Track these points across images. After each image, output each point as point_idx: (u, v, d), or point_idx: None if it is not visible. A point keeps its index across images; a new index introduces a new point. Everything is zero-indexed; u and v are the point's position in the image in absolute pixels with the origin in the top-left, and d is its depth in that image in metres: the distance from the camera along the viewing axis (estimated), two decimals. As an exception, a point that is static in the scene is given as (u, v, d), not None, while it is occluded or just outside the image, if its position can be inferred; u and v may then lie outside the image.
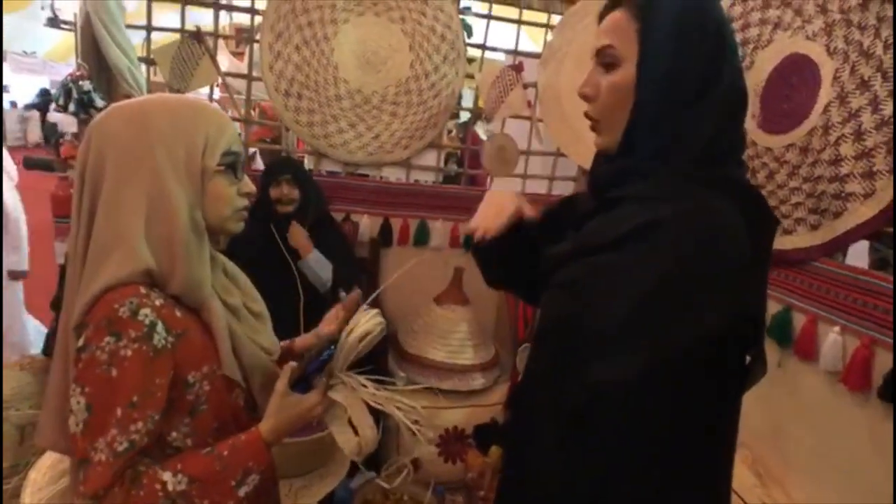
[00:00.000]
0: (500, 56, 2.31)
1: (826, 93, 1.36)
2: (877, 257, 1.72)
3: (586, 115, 0.74)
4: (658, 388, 0.64)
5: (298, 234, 1.70)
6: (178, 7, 2.00)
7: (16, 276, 2.59)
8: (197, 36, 1.93)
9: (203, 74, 1.96)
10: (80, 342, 0.67)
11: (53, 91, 2.08)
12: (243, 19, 2.53)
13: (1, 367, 1.63)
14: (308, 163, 2.19)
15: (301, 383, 0.79)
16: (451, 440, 1.96)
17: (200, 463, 0.69)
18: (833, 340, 1.32)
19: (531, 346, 0.85)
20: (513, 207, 0.86)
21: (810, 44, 1.41)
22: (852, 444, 1.28)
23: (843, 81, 1.32)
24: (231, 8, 2.25)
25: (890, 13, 1.20)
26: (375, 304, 2.35)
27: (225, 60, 2.39)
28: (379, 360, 1.94)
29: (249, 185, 0.80)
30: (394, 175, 2.25)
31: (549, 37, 2.16)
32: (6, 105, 10.54)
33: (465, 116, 2.53)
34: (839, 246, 1.37)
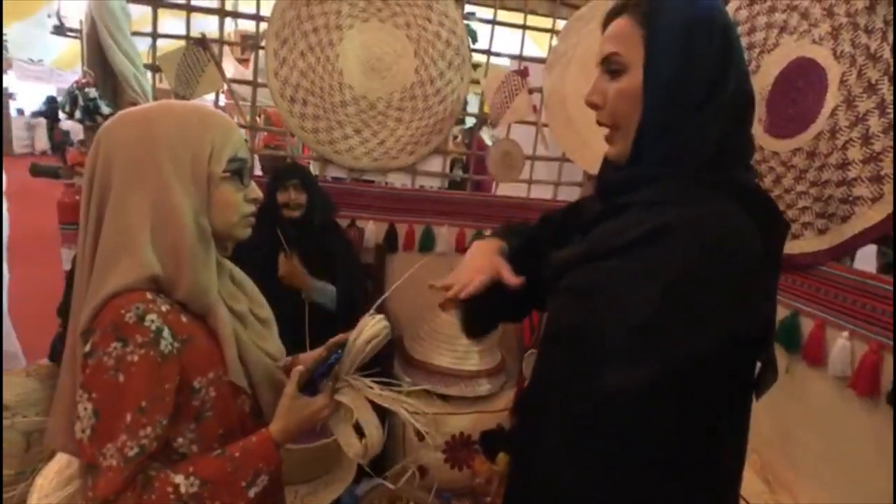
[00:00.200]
0: (506, 61, 2.31)
1: (833, 97, 1.35)
2: (884, 261, 1.71)
3: (599, 122, 0.74)
4: (668, 394, 0.63)
5: (291, 273, 1.65)
6: (183, 14, 2.02)
7: None
8: (202, 43, 1.94)
9: (208, 81, 1.97)
10: (87, 348, 0.67)
11: (60, 98, 2.10)
12: (248, 26, 2.55)
13: (0, 373, 1.63)
14: (313, 169, 2.20)
15: (308, 387, 0.79)
16: (458, 446, 1.95)
17: (212, 465, 0.70)
18: (841, 346, 1.31)
19: (538, 352, 0.85)
20: (489, 272, 0.79)
21: (817, 47, 1.41)
22: (861, 450, 1.27)
23: (850, 85, 1.31)
24: (236, 15, 2.27)
25: (897, 17, 1.20)
26: (381, 309, 2.35)
27: (230, 67, 2.41)
28: (385, 365, 1.93)
29: (256, 191, 0.80)
30: (399, 181, 2.25)
31: (554, 42, 2.16)
32: (13, 113, 10.64)
33: (470, 122, 2.53)
34: (847, 250, 1.36)
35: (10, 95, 10.45)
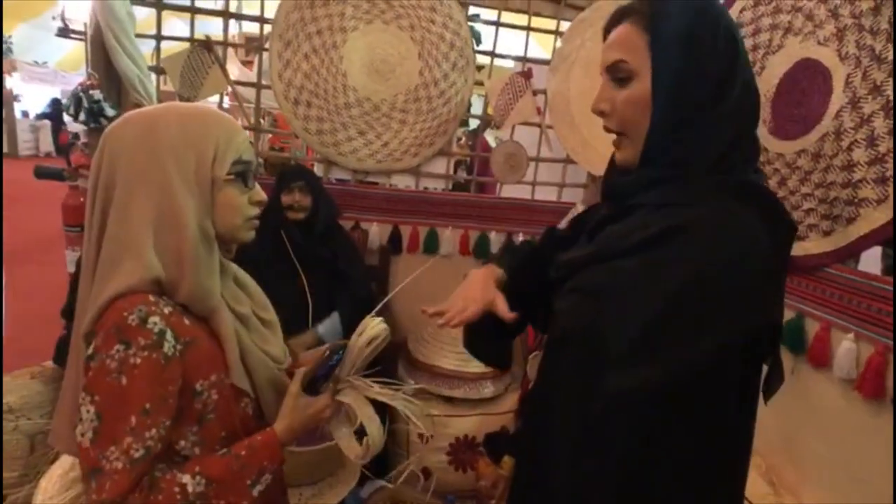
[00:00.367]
0: (510, 63, 2.31)
1: (838, 98, 1.35)
2: (889, 263, 1.70)
3: (607, 129, 0.74)
4: (674, 395, 0.63)
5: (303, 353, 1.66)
6: (187, 16, 2.02)
7: None
8: (206, 45, 1.95)
9: (212, 83, 1.97)
10: (90, 350, 0.67)
11: (64, 101, 2.10)
12: (252, 28, 2.56)
13: (1, 374, 1.63)
14: (317, 171, 2.20)
15: (310, 388, 0.80)
16: (462, 448, 1.95)
17: (218, 464, 0.70)
18: (847, 348, 1.30)
19: (544, 353, 0.85)
20: (483, 302, 0.79)
21: (822, 49, 1.40)
22: (866, 453, 1.26)
23: (855, 86, 1.31)
24: (240, 17, 2.27)
25: (903, 18, 1.20)
26: (386, 312, 2.35)
27: (234, 69, 2.42)
28: (389, 368, 1.94)
29: (260, 194, 0.80)
30: (403, 182, 2.25)
31: (559, 43, 2.16)
32: (18, 115, 10.68)
33: (474, 124, 2.54)
34: (852, 252, 1.36)
35: (15, 97, 10.50)
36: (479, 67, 2.23)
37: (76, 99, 1.86)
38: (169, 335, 0.68)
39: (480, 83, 2.22)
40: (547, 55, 2.27)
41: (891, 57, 1.23)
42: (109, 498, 0.64)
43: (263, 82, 2.12)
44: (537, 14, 2.20)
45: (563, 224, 2.09)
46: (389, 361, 2.03)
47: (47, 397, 1.69)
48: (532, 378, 1.61)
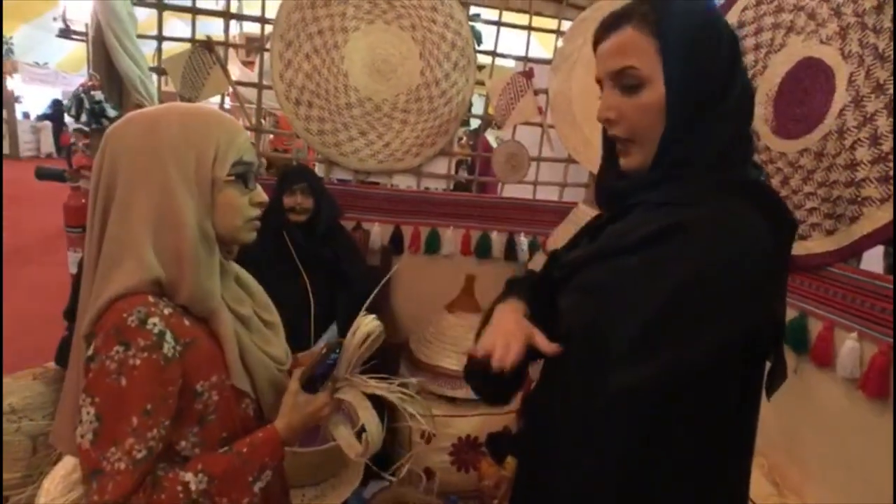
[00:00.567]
0: (511, 63, 2.31)
1: (841, 97, 1.35)
2: (890, 262, 1.70)
3: (615, 137, 0.72)
4: (677, 394, 0.63)
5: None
6: (187, 17, 2.03)
7: None
8: (207, 45, 1.95)
9: (214, 84, 1.97)
10: (90, 352, 0.67)
11: (66, 102, 2.11)
12: (253, 29, 2.56)
13: (1, 374, 1.64)
14: (318, 171, 2.20)
15: (309, 386, 0.80)
16: (464, 449, 1.95)
17: (220, 461, 0.71)
18: (850, 347, 1.30)
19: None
20: (523, 338, 0.71)
21: (824, 48, 1.40)
22: (870, 452, 1.26)
23: (858, 85, 1.31)
24: (241, 17, 2.27)
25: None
26: (388, 312, 2.34)
27: (235, 70, 2.42)
28: (391, 368, 1.93)
29: (261, 195, 0.80)
30: (404, 182, 2.25)
31: (560, 43, 2.16)
32: (19, 116, 10.69)
33: (475, 123, 2.54)
34: (855, 251, 1.35)
35: (16, 98, 10.52)
36: (481, 67, 2.23)
37: (77, 100, 1.86)
38: (169, 336, 0.68)
39: (482, 83, 2.21)
40: (548, 55, 2.27)
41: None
42: (112, 499, 0.64)
43: (264, 83, 2.12)
44: (538, 14, 2.20)
45: (563, 225, 2.09)
46: (392, 362, 2.03)
47: (49, 398, 1.69)
48: (534, 378, 1.60)
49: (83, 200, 1.95)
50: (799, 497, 1.43)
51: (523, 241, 2.28)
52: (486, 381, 0.80)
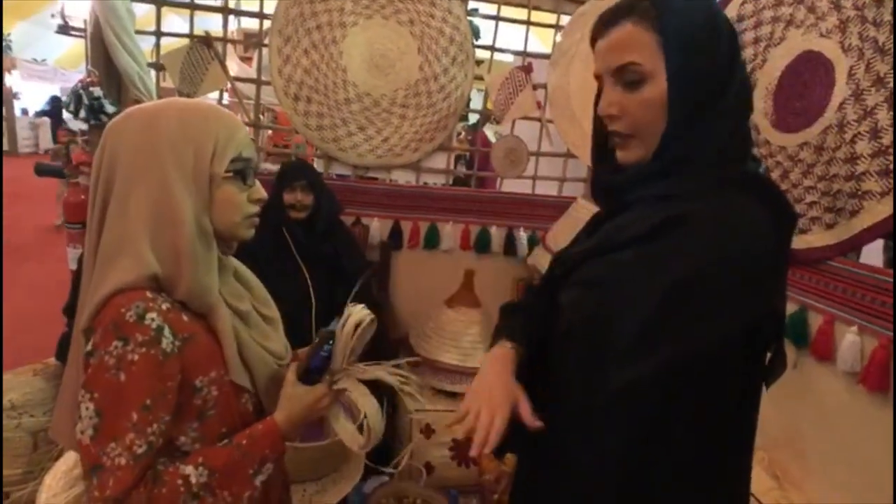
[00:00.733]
0: (509, 57, 2.30)
1: (841, 90, 1.34)
2: (890, 255, 1.70)
3: (616, 132, 0.72)
4: (678, 389, 0.63)
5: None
6: (185, 13, 2.02)
7: None
8: (206, 41, 1.94)
9: (212, 79, 1.97)
10: (89, 347, 0.67)
11: (64, 98, 2.10)
12: (251, 24, 2.55)
13: (1, 372, 1.64)
14: (317, 166, 2.20)
15: (305, 378, 0.80)
16: (465, 444, 1.95)
17: (221, 454, 0.71)
18: (850, 341, 1.30)
19: (555, 346, 0.84)
20: (508, 405, 0.69)
21: (824, 41, 1.39)
22: (870, 446, 1.26)
23: (858, 79, 1.30)
24: (240, 13, 2.27)
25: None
26: (387, 308, 2.33)
27: (233, 65, 2.41)
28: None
29: (260, 192, 0.79)
30: (403, 178, 2.25)
31: (558, 38, 2.15)
32: (17, 112, 10.67)
33: (473, 118, 2.53)
34: (855, 245, 1.35)
35: (14, 95, 10.49)
36: (479, 62, 2.22)
37: (76, 96, 1.86)
38: (167, 331, 0.68)
39: (480, 78, 2.21)
40: (547, 49, 2.26)
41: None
42: (113, 494, 0.64)
43: (263, 78, 2.11)
44: (537, 8, 2.19)
45: (562, 219, 2.09)
46: (391, 357, 2.03)
47: (50, 394, 1.69)
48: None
49: (82, 196, 1.94)
50: (800, 491, 1.44)
51: (522, 235, 2.28)
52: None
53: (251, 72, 2.33)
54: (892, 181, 1.23)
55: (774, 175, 1.54)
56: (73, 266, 1.89)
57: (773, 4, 1.56)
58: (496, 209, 2.27)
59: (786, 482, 1.47)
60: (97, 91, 1.86)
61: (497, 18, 2.19)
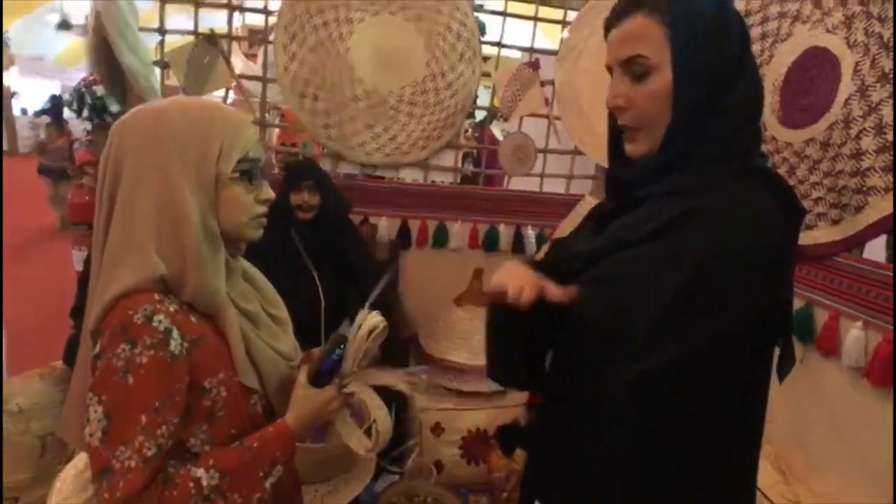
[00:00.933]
0: (516, 54, 2.30)
1: (846, 86, 1.34)
2: (892, 251, 1.71)
3: (623, 125, 0.73)
4: (687, 383, 0.64)
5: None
6: (188, 9, 2.00)
7: None
8: (211, 38, 1.93)
9: (218, 77, 1.96)
10: (96, 350, 0.67)
11: (66, 96, 2.10)
12: (255, 20, 2.53)
13: (1, 374, 1.63)
14: (324, 165, 2.19)
15: (316, 381, 0.80)
16: (474, 442, 1.96)
17: (231, 457, 0.71)
18: (855, 336, 1.31)
19: (558, 345, 0.85)
20: (536, 283, 0.70)
21: (830, 36, 1.40)
22: (876, 440, 1.27)
23: (863, 74, 1.30)
24: (244, 9, 2.25)
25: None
26: (397, 307, 2.32)
27: (238, 63, 2.39)
28: (400, 362, 1.94)
29: (268, 192, 0.79)
30: (411, 176, 2.24)
31: (565, 33, 2.15)
32: (17, 111, 10.59)
33: (480, 115, 2.53)
34: (861, 241, 1.36)
35: (13, 94, 10.41)
36: (486, 58, 2.21)
37: (79, 95, 1.86)
38: (175, 333, 0.68)
39: (487, 74, 2.20)
40: (554, 46, 2.26)
41: (902, 45, 1.23)
42: (123, 496, 0.64)
43: (269, 76, 2.10)
44: (544, 3, 2.19)
45: (570, 217, 2.09)
46: (401, 356, 2.04)
47: (57, 398, 1.66)
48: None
49: (87, 197, 1.94)
50: (805, 485, 1.45)
51: (531, 234, 2.27)
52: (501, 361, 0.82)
53: (256, 69, 2.32)
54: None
55: (781, 171, 1.54)
56: (79, 267, 1.88)
57: (780, 0, 1.56)
58: (504, 207, 2.26)
59: (791, 475, 1.48)
60: (100, 90, 1.85)
61: (504, 14, 2.18)
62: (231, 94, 2.20)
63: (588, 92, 2.03)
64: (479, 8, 2.25)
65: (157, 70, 1.99)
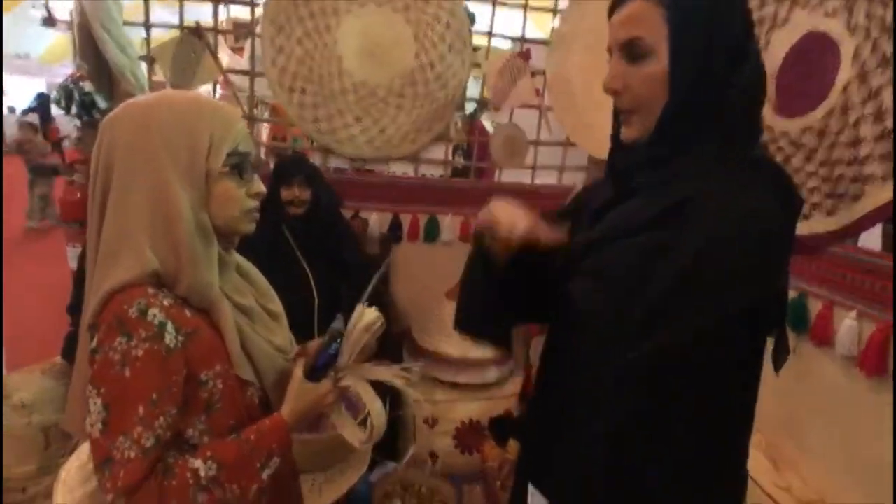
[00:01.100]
0: (507, 44, 2.27)
1: (846, 71, 1.33)
2: (889, 240, 1.71)
3: (618, 108, 0.73)
4: (684, 366, 0.64)
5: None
6: (174, 3, 1.97)
7: None
8: (197, 32, 1.90)
9: (205, 71, 1.94)
10: (94, 343, 0.69)
11: (53, 93, 2.06)
12: (240, 13, 2.49)
13: (1, 371, 1.64)
14: (314, 160, 2.17)
15: (312, 375, 0.81)
16: (468, 432, 1.97)
17: (229, 448, 0.72)
18: (849, 326, 1.31)
19: (553, 336, 0.85)
20: (530, 219, 0.70)
21: (829, 20, 1.38)
22: (867, 429, 1.28)
23: (863, 59, 1.29)
24: (230, 1, 2.22)
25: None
26: (390, 300, 2.32)
27: (224, 57, 2.36)
28: (394, 356, 1.94)
29: (259, 186, 0.79)
30: (400, 170, 2.22)
31: (557, 22, 2.12)
32: (4, 110, 10.46)
33: (470, 107, 2.50)
34: (857, 230, 1.35)
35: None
36: (476, 49, 2.19)
37: (66, 92, 1.83)
38: (170, 327, 0.69)
39: (477, 65, 2.18)
40: (544, 35, 2.23)
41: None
42: (125, 485, 0.65)
43: (256, 70, 2.07)
44: (534, -8, 2.16)
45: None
46: (395, 350, 2.04)
47: (58, 392, 1.70)
48: (535, 363, 1.62)
49: (78, 195, 1.92)
50: (796, 473, 1.46)
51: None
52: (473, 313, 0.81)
53: (243, 63, 2.29)
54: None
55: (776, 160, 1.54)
56: (74, 265, 1.87)
57: (778, -16, 1.54)
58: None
59: (782, 464, 1.49)
60: (88, 86, 1.82)
61: (494, 2, 2.15)
62: (219, 89, 2.17)
63: (580, 82, 2.02)
64: (468, -3, 2.21)
65: (144, 65, 1.96)
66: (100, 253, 0.72)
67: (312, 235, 1.72)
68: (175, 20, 1.96)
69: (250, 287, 0.84)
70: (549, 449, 0.78)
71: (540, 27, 2.46)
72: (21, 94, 10.98)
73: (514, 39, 2.22)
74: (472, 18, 2.19)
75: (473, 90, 2.45)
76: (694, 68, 0.66)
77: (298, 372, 0.80)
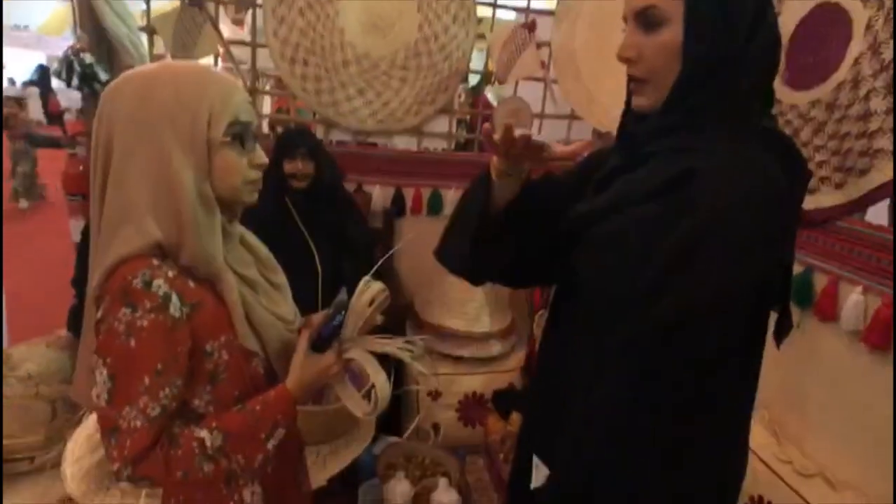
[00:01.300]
0: (511, 14, 2.22)
1: (857, 44, 1.30)
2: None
3: (631, 77, 0.72)
4: (687, 337, 0.65)
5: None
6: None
7: None
8: (198, 2, 1.87)
9: (206, 43, 1.91)
10: (99, 314, 0.69)
11: (54, 65, 2.04)
12: (242, -17, 2.44)
13: (1, 366, 1.67)
14: (317, 132, 2.15)
15: (317, 346, 0.81)
16: (471, 405, 2.00)
17: (234, 418, 0.73)
18: (855, 300, 1.31)
19: (557, 304, 0.86)
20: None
21: (842, -9, 1.34)
22: (870, 403, 1.28)
23: (876, 31, 1.25)
24: (230, -29, 2.17)
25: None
26: (393, 274, 2.33)
27: (225, 29, 2.33)
28: (397, 330, 1.95)
29: (261, 157, 0.78)
30: (403, 143, 2.21)
31: (562, -7, 2.07)
32: (5, 83, 10.38)
33: (474, 80, 2.46)
34: (864, 205, 1.34)
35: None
36: (480, 20, 2.14)
37: (67, 63, 1.80)
38: (174, 298, 0.69)
39: (482, 36, 2.13)
40: (550, 6, 2.18)
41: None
42: (131, 455, 0.67)
43: (258, 41, 2.04)
44: (541, -39, 2.10)
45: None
46: (398, 323, 2.05)
47: (64, 364, 1.73)
48: (538, 336, 1.63)
49: (81, 168, 1.91)
50: (798, 447, 1.47)
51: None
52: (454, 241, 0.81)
53: (244, 35, 2.25)
54: (904, 138, 1.21)
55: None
56: (77, 238, 1.88)
57: (790, -47, 1.49)
58: (500, 174, 2.24)
59: (784, 438, 1.51)
60: (88, 58, 1.80)
61: (499, -28, 2.10)
62: (220, 61, 2.14)
63: (585, 54, 1.98)
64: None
65: (144, 36, 1.93)
66: (103, 225, 0.72)
67: (315, 209, 1.72)
68: (173, -9, 1.92)
69: (254, 259, 0.84)
70: (553, 419, 0.79)
71: (545, -3, 2.40)
72: (20, 65, 10.89)
73: (519, 10, 2.17)
74: (476, -12, 2.14)
75: (478, 62, 2.41)
76: (708, 39, 0.65)
77: (303, 343, 0.80)
